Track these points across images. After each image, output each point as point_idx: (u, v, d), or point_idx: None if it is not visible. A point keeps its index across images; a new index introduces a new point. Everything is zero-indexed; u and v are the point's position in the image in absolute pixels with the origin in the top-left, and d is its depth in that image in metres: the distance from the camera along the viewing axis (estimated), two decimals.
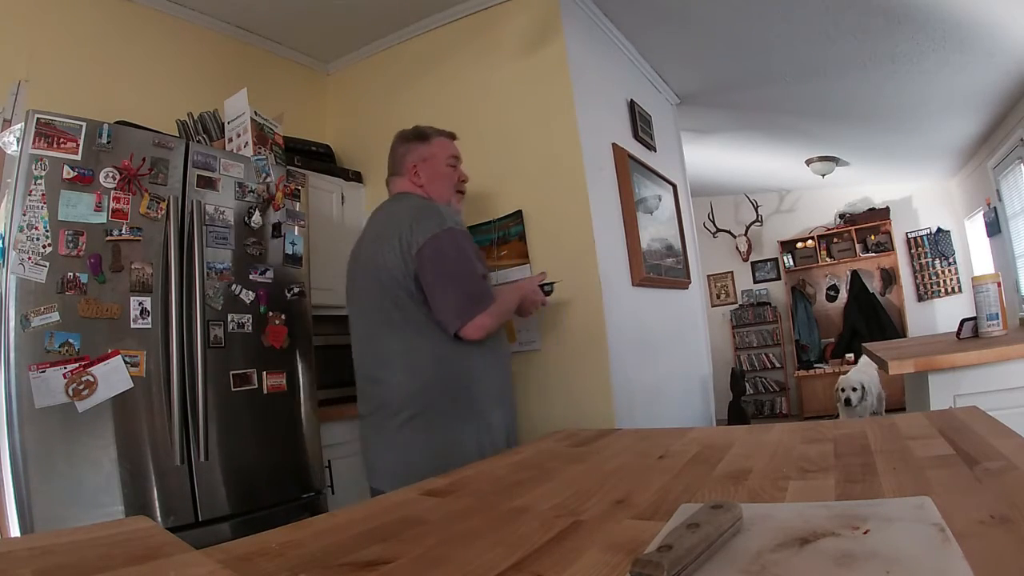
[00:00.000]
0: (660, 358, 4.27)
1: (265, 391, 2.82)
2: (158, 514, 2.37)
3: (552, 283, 2.95)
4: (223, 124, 3.20)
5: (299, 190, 3.11)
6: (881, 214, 9.10)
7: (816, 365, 8.84)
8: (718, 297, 9.93)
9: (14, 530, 2.08)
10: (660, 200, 4.74)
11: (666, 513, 0.89)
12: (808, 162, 7.88)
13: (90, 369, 2.27)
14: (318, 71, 4.74)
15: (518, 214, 3.70)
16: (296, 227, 3.06)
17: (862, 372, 6.14)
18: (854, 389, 5.96)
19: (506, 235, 3.73)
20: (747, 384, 9.14)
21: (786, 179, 8.86)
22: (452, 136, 2.79)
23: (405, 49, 4.35)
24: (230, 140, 3.11)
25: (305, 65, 4.64)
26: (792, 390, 9.28)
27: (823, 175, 8.07)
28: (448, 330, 2.20)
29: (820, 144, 7.44)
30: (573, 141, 3.60)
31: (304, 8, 4.00)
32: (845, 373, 6.29)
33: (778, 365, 9.48)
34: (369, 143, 4.45)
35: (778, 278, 9.70)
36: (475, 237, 3.72)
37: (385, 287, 2.25)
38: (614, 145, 4.09)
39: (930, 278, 8.92)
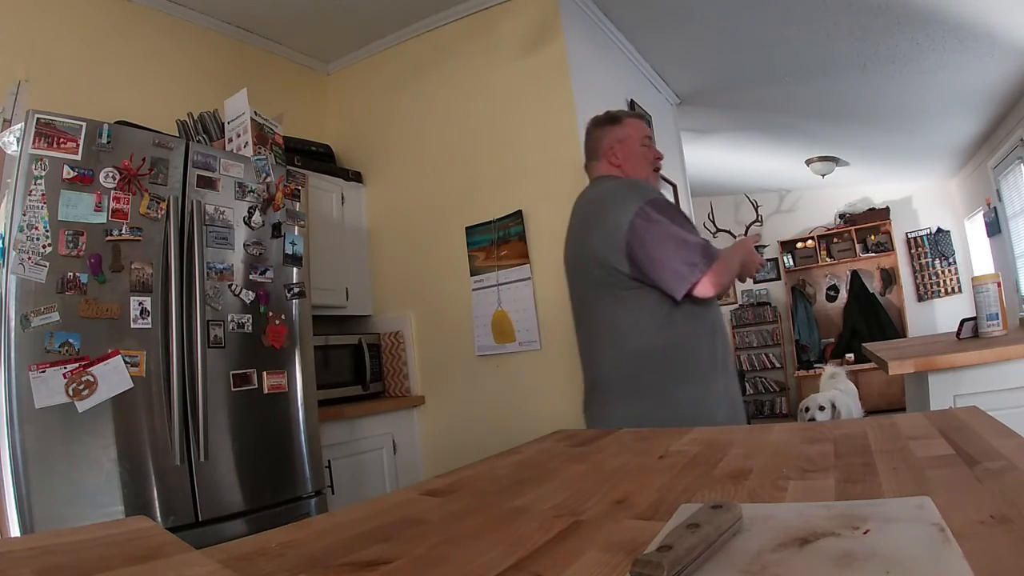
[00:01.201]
0: None
1: (265, 391, 2.82)
2: (158, 514, 2.37)
3: (764, 246, 2.94)
4: (223, 124, 3.20)
5: (299, 190, 3.11)
6: (881, 214, 9.11)
7: (816, 365, 8.84)
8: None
9: (14, 530, 2.08)
10: None
11: (666, 513, 0.89)
12: (808, 162, 7.89)
13: (90, 369, 2.27)
14: (318, 71, 4.74)
15: (518, 214, 3.70)
16: (296, 227, 3.06)
17: (834, 387, 5.68)
18: (821, 408, 5.19)
19: (506, 235, 3.74)
20: (747, 384, 9.15)
21: (786, 179, 8.87)
22: (642, 117, 2.75)
23: (405, 49, 4.36)
24: (230, 140, 3.11)
25: (305, 65, 4.64)
26: (792, 390, 9.28)
27: (823, 175, 8.08)
28: (676, 294, 2.15)
29: (820, 144, 7.45)
30: (573, 141, 3.59)
31: (304, 8, 4.01)
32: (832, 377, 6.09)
33: (778, 365, 9.49)
34: (369, 143, 4.46)
35: (778, 278, 9.71)
36: (475, 237, 3.75)
37: (596, 270, 2.24)
38: None
39: (930, 278, 8.93)
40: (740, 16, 4.31)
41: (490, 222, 3.82)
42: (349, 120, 4.67)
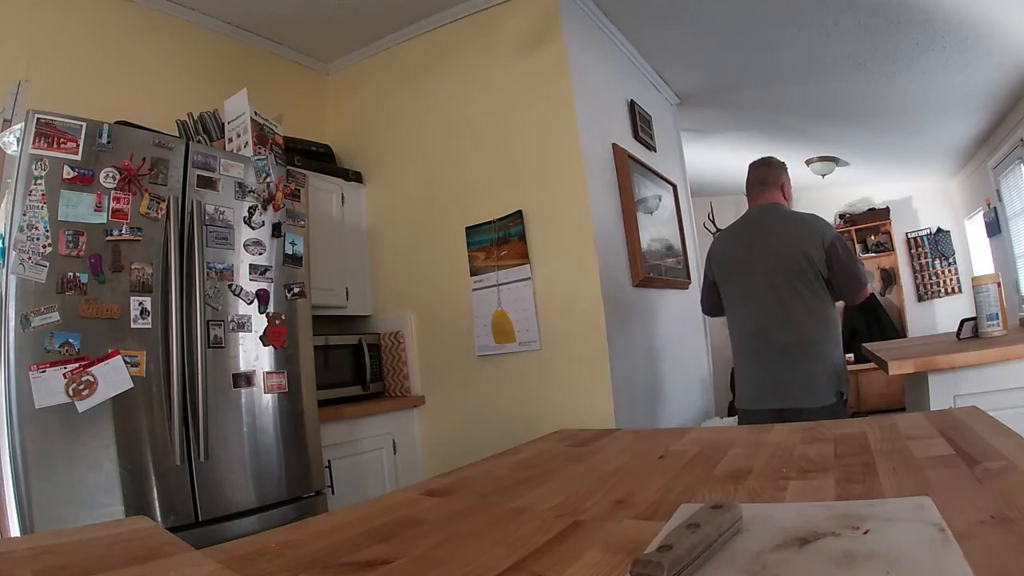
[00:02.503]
0: (660, 358, 4.28)
1: (265, 391, 2.82)
2: (158, 514, 2.37)
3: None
4: (223, 124, 3.20)
5: (299, 190, 3.11)
6: (881, 214, 9.11)
7: None
8: None
9: (14, 530, 2.08)
10: (660, 200, 4.74)
11: (666, 513, 0.89)
12: (808, 162, 7.88)
13: (90, 369, 2.27)
14: (318, 71, 4.74)
15: (518, 214, 3.70)
16: (296, 227, 3.06)
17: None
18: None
19: (506, 235, 3.73)
20: None
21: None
22: None
23: (405, 49, 4.36)
24: (230, 140, 3.11)
25: (305, 65, 4.64)
26: None
27: (823, 175, 8.07)
28: (851, 300, 3.29)
29: (820, 144, 7.44)
30: (573, 141, 3.60)
31: (304, 8, 4.01)
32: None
33: None
34: (369, 143, 4.46)
35: None
36: (475, 237, 3.76)
37: (804, 263, 3.12)
38: (614, 145, 4.09)
39: (930, 278, 8.93)
40: (740, 16, 4.31)
41: (490, 222, 3.82)
42: (349, 120, 4.66)
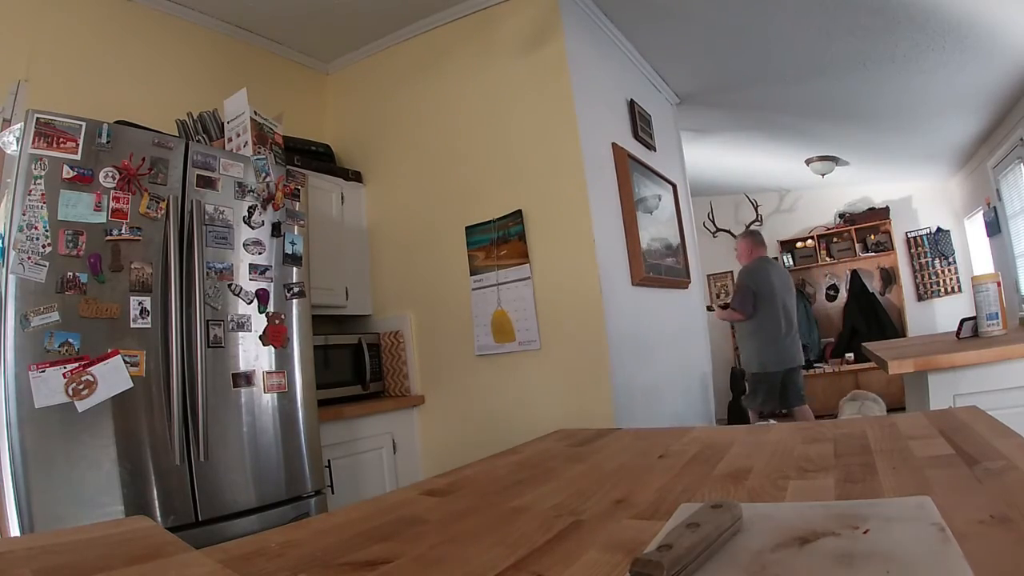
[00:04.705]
0: (660, 357, 4.28)
1: (265, 391, 2.82)
2: (158, 514, 2.37)
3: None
4: (223, 124, 3.19)
5: (299, 190, 3.10)
6: (881, 214, 9.10)
7: (816, 365, 8.83)
8: (718, 296, 9.91)
9: (14, 530, 2.08)
10: (660, 200, 4.74)
11: (666, 513, 0.89)
12: (808, 162, 7.89)
13: (90, 369, 2.27)
14: (318, 71, 4.74)
15: (518, 214, 3.70)
16: (296, 227, 3.06)
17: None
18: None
19: (506, 235, 3.73)
20: (747, 383, 9.13)
21: (786, 179, 8.86)
22: None
23: (405, 49, 4.36)
24: (230, 140, 3.11)
25: (305, 65, 4.64)
26: None
27: (823, 175, 8.08)
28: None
29: (820, 144, 7.45)
30: (573, 140, 3.60)
31: (304, 8, 4.01)
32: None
33: None
34: (369, 143, 4.46)
35: None
36: (475, 237, 3.76)
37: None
38: (614, 145, 4.09)
39: (930, 278, 8.93)
40: (740, 16, 4.31)
41: (490, 222, 3.82)
42: (349, 119, 4.66)
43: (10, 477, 2.08)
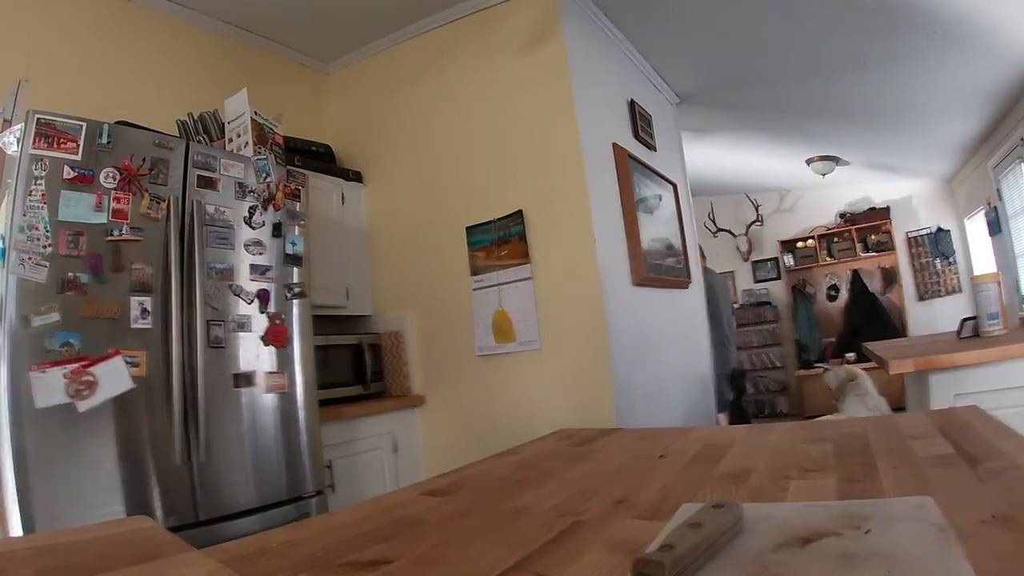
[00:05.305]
0: (661, 357, 4.28)
1: (265, 391, 2.82)
2: (159, 514, 2.37)
3: None
4: (223, 124, 3.20)
5: (299, 190, 3.11)
6: (881, 214, 9.11)
7: (816, 364, 8.82)
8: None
9: (15, 530, 2.08)
10: (660, 200, 4.74)
11: (667, 513, 0.89)
12: (808, 161, 7.89)
13: (91, 369, 2.27)
14: (318, 71, 4.75)
15: (518, 214, 3.70)
16: (296, 227, 3.06)
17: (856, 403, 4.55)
18: None
19: (506, 235, 3.73)
20: (748, 384, 9.14)
21: (786, 178, 8.86)
22: None
23: (405, 49, 4.36)
24: (230, 140, 3.11)
25: (305, 65, 4.65)
26: (793, 389, 9.29)
27: (823, 174, 8.08)
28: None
29: (821, 143, 7.45)
30: (573, 140, 3.60)
31: (304, 8, 4.01)
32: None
33: (779, 365, 9.49)
34: (369, 142, 4.47)
35: (778, 278, 9.70)
36: (475, 237, 3.78)
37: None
38: (614, 145, 4.09)
39: (931, 278, 8.93)
40: (740, 16, 4.31)
41: (490, 222, 3.82)
42: (349, 119, 4.66)
43: (12, 477, 2.08)
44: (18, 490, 2.09)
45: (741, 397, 6.71)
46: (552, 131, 3.68)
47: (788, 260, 9.51)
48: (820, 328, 9.31)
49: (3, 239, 2.20)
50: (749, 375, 9.39)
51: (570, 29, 3.77)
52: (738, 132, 6.86)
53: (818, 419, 2.42)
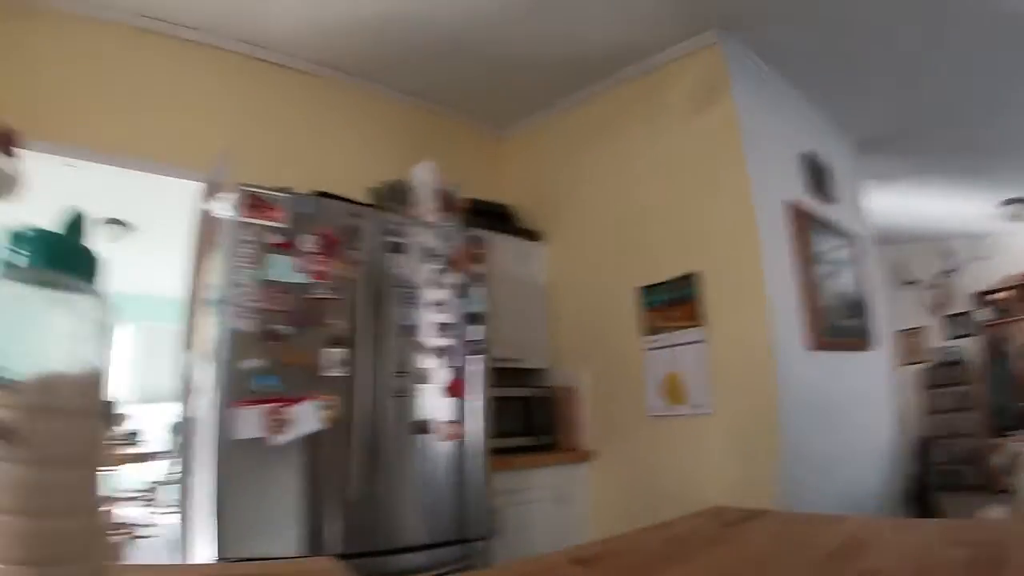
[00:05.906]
0: (836, 427, 4.06)
1: (442, 438, 3.02)
2: (338, 543, 2.63)
3: None
4: (411, 192, 3.46)
5: (481, 252, 3.32)
6: None
7: (1008, 432, 8.03)
8: (907, 356, 9.25)
9: (205, 543, 2.42)
10: (840, 254, 4.60)
11: None
12: (1004, 204, 7.30)
13: (286, 409, 2.55)
14: (495, 136, 5.07)
15: (692, 276, 3.74)
16: (479, 287, 3.27)
17: None
18: None
19: (680, 296, 3.77)
20: (937, 452, 8.48)
21: (979, 224, 8.18)
22: None
23: (578, 113, 4.57)
24: (417, 207, 3.37)
25: (483, 131, 4.99)
26: (985, 460, 8.55)
27: (1019, 218, 7.45)
28: None
29: (1016, 185, 6.89)
30: (745, 200, 3.61)
31: (482, 80, 4.32)
32: None
33: (971, 432, 8.74)
34: (546, 203, 4.64)
35: (973, 333, 8.95)
36: (649, 297, 3.87)
37: None
38: (788, 202, 4.03)
39: None
40: (917, 57, 4.15)
41: (664, 283, 3.86)
42: (525, 181, 4.89)
43: (215, 496, 2.42)
44: (217, 505, 2.42)
45: (929, 469, 6.15)
46: (723, 191, 3.70)
47: (983, 314, 8.78)
48: (1015, 390, 8.52)
49: (218, 294, 2.54)
50: (938, 442, 8.72)
51: (738, 85, 3.80)
52: (924, 176, 6.47)
53: (980, 513, 2.24)
